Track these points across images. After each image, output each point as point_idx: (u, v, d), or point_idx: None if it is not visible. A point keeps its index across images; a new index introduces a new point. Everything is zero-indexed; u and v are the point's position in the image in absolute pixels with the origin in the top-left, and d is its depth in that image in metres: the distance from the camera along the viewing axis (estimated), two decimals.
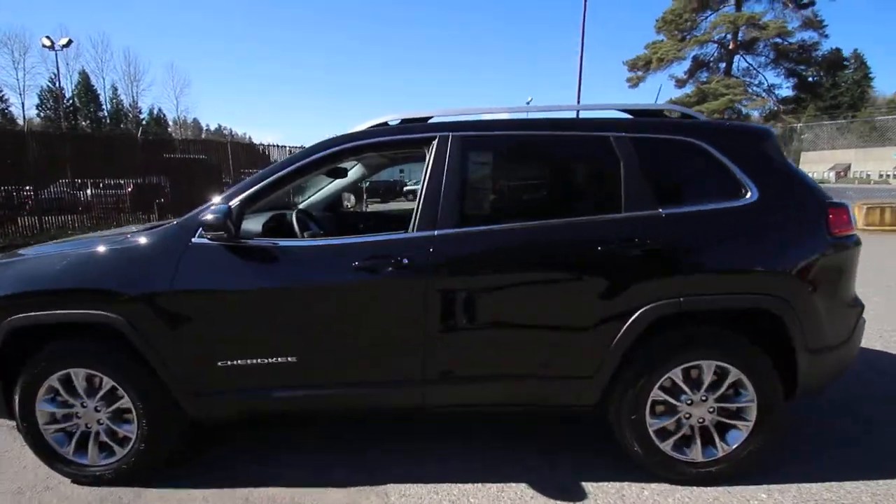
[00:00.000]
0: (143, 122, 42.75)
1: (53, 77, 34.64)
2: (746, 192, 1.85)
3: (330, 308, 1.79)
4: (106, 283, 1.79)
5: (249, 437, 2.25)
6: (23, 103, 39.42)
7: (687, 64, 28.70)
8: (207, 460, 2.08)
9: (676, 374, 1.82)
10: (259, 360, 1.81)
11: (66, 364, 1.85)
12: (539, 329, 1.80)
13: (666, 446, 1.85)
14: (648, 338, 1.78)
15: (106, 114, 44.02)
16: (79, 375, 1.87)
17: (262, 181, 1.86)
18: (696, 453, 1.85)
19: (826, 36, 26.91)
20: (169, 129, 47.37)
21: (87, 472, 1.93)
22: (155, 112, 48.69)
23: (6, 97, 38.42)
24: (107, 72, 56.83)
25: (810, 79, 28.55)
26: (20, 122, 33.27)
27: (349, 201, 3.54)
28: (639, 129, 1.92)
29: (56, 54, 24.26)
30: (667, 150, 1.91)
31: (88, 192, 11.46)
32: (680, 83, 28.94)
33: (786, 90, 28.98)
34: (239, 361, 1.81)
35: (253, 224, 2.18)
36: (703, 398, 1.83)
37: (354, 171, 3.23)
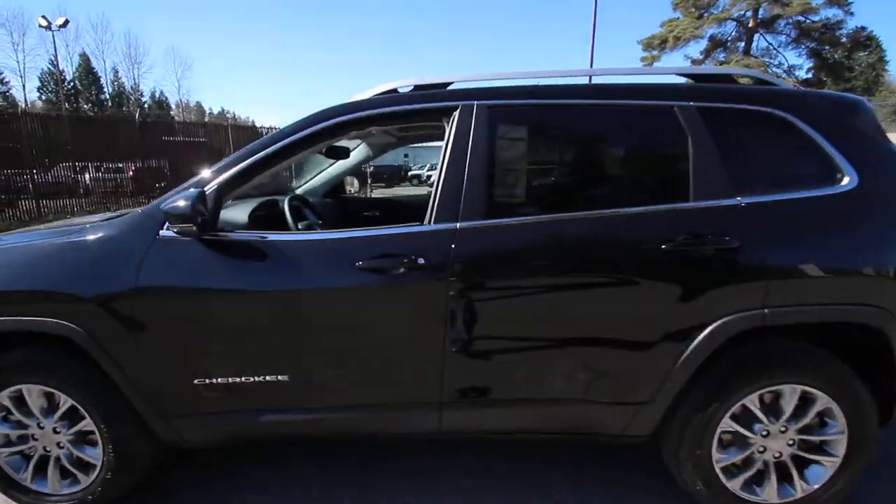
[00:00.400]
0: (144, 105, 42.21)
1: (54, 59, 34.12)
2: (843, 176, 1.48)
3: (328, 317, 1.47)
4: (55, 284, 1.47)
5: (229, 455, 1.95)
6: (24, 86, 38.93)
7: (704, 43, 27.54)
8: (190, 485, 1.80)
9: (752, 400, 1.49)
10: (243, 379, 1.49)
11: (17, 379, 1.55)
12: (585, 345, 1.47)
13: (734, 485, 1.53)
14: (721, 356, 1.45)
15: (107, 96, 43.49)
16: (32, 392, 1.57)
17: (246, 160, 1.52)
18: (770, 493, 1.53)
19: (851, 13, 25.60)
20: (172, 113, 46.80)
21: (48, 501, 1.65)
22: (157, 95, 48.10)
23: (6, 80, 37.92)
24: (107, 54, 56.28)
25: (831, 59, 27.30)
26: (22, 104, 32.90)
27: (352, 186, 3.19)
28: (709, 97, 1.55)
29: (53, 35, 23.72)
30: (744, 123, 1.54)
31: (87, 176, 11.21)
32: (696, 64, 27.80)
33: (807, 72, 27.77)
34: (219, 380, 1.50)
35: (238, 212, 1.84)
36: (783, 429, 1.50)
37: (358, 151, 2.88)
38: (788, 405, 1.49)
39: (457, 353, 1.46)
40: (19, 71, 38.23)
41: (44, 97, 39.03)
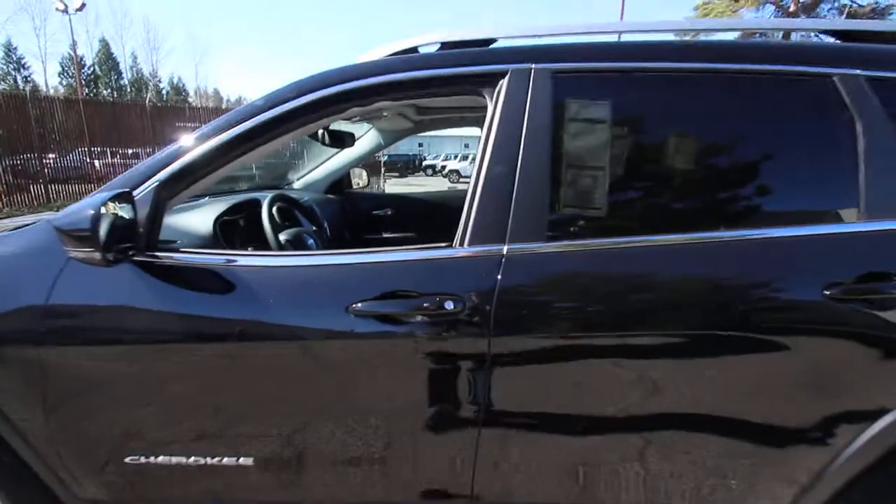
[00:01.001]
0: (162, 91, 42.46)
1: (73, 44, 34.25)
2: None
3: (308, 384, 1.01)
4: None
5: None
6: (45, 70, 39.39)
7: None
8: None
9: None
10: (192, 460, 1.06)
11: None
12: (689, 430, 0.99)
13: None
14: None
15: (126, 82, 43.74)
16: None
17: (197, 148, 1.06)
18: None
19: None
20: (189, 99, 47.01)
21: None
22: (175, 81, 48.33)
23: (28, 64, 38.36)
24: (126, 39, 56.79)
25: None
26: (44, 89, 33.23)
27: (361, 179, 2.73)
28: (884, 63, 1.02)
29: (70, 19, 23.60)
30: None
31: (97, 162, 11.04)
32: None
33: None
34: (160, 459, 1.07)
35: (199, 216, 1.40)
36: None
37: (367, 139, 2.40)
38: None
39: (496, 443, 0.99)
40: (41, 56, 38.68)
41: (64, 82, 39.45)
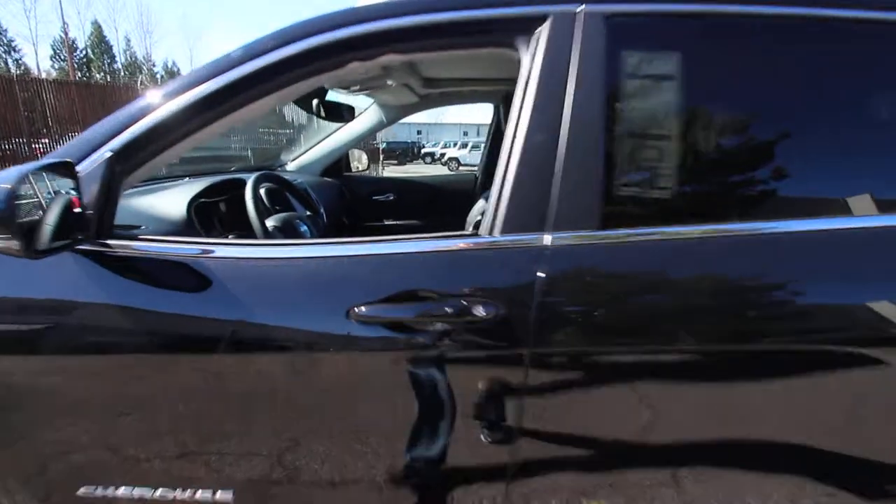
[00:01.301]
0: (157, 75, 41.82)
1: (65, 26, 33.37)
2: None
3: (299, 403, 0.82)
4: None
5: None
6: (36, 53, 38.56)
7: None
8: None
9: None
10: (159, 494, 0.87)
11: None
12: (772, 461, 0.81)
13: None
14: None
15: (120, 66, 42.91)
16: None
17: (160, 110, 0.85)
18: None
19: None
20: None
21: None
22: (170, 65, 47.55)
23: (18, 47, 37.49)
24: (119, 22, 55.72)
25: None
26: (35, 72, 32.51)
27: (360, 162, 2.52)
28: None
29: (60, 1, 22.97)
30: None
31: None
32: None
33: None
34: (120, 491, 0.88)
35: (171, 198, 1.19)
36: None
37: (367, 115, 2.18)
38: None
39: (532, 481, 0.81)
40: (32, 38, 37.85)
41: (57, 66, 38.63)
